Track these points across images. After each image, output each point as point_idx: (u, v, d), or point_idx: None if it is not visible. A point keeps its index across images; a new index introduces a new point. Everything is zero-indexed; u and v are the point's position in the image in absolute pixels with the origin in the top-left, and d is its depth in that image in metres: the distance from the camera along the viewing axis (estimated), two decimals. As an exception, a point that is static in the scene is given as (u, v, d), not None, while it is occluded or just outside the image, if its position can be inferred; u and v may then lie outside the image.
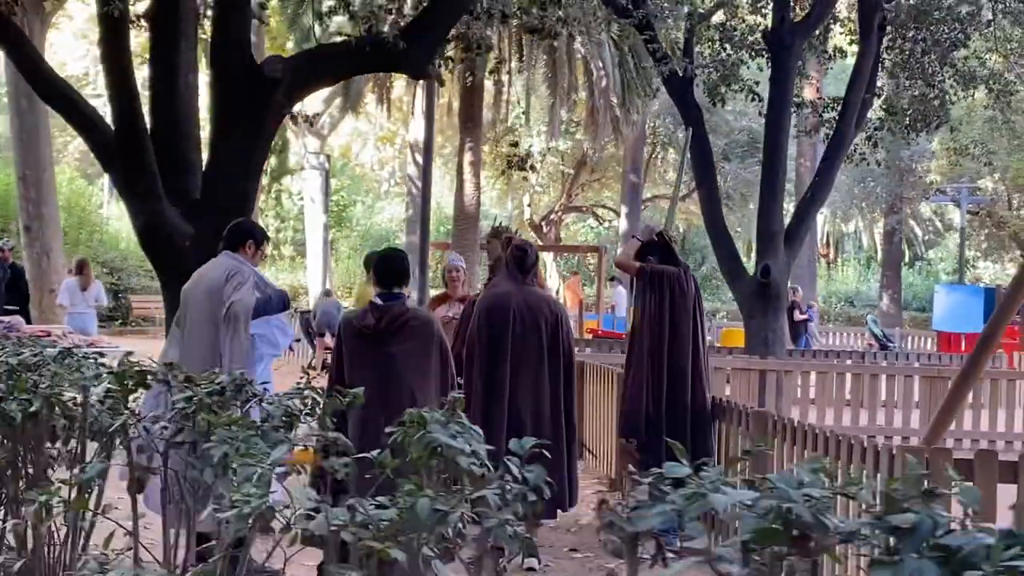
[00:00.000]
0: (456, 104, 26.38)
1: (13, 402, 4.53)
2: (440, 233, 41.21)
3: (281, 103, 9.78)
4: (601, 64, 24.60)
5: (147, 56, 10.02)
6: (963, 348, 25.21)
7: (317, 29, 17.08)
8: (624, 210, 34.07)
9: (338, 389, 4.39)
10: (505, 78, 25.26)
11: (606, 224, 42.73)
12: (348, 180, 49.33)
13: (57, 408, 4.62)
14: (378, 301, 6.42)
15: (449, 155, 39.93)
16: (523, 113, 33.24)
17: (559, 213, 39.72)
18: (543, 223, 39.72)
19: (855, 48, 18.97)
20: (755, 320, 15.60)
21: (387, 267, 6.48)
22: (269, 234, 9.75)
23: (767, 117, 15.65)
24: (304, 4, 20.75)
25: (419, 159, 29.94)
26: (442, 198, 42.03)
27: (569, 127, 33.70)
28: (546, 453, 3.00)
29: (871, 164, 18.64)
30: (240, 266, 6.66)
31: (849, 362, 17.03)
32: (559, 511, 7.66)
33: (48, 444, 4.76)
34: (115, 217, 36.55)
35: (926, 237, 56.41)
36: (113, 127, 9.56)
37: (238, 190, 9.77)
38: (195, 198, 9.85)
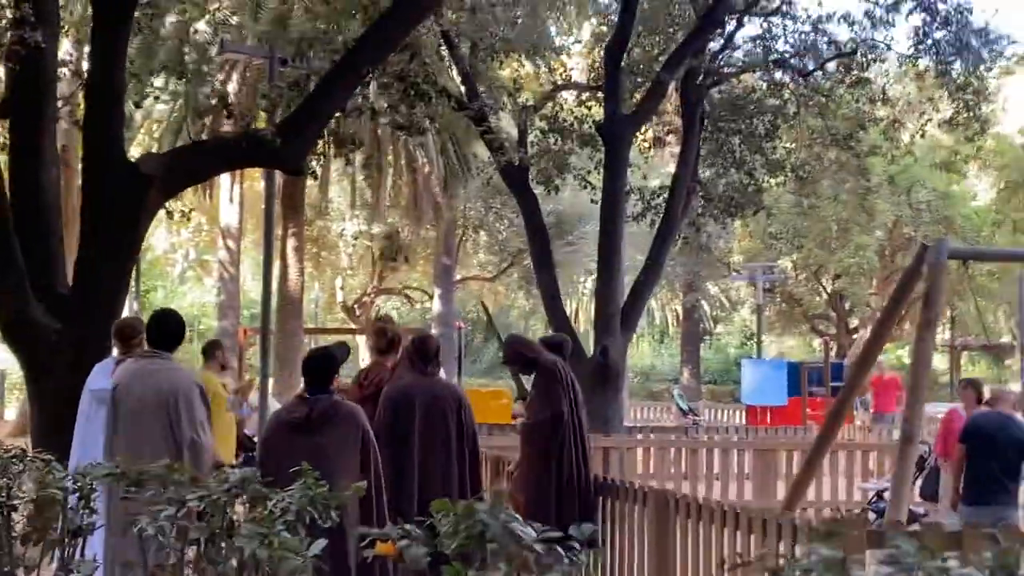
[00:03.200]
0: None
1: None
2: (247, 317, 40.82)
3: (156, 199, 9.81)
4: (424, 151, 25.10)
5: (7, 149, 9.90)
6: (769, 421, 26.40)
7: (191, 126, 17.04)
8: (437, 292, 34.46)
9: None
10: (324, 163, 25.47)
11: (418, 306, 43.01)
12: (145, 264, 48.33)
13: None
14: (306, 395, 6.65)
15: (259, 239, 39.69)
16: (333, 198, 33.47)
17: (371, 295, 39.81)
18: (355, 306, 39.75)
19: (671, 138, 20.08)
20: (595, 399, 16.12)
21: (317, 365, 6.76)
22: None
23: (602, 204, 16.35)
24: (180, 101, 20.68)
25: (231, 244, 29.79)
26: (246, 282, 41.62)
27: (378, 211, 34.03)
28: None
29: (695, 247, 19.60)
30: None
31: (684, 437, 17.79)
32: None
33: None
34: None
35: (714, 313, 58.59)
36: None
37: (109, 286, 9.70)
38: (60, 293, 9.74)
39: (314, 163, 10.79)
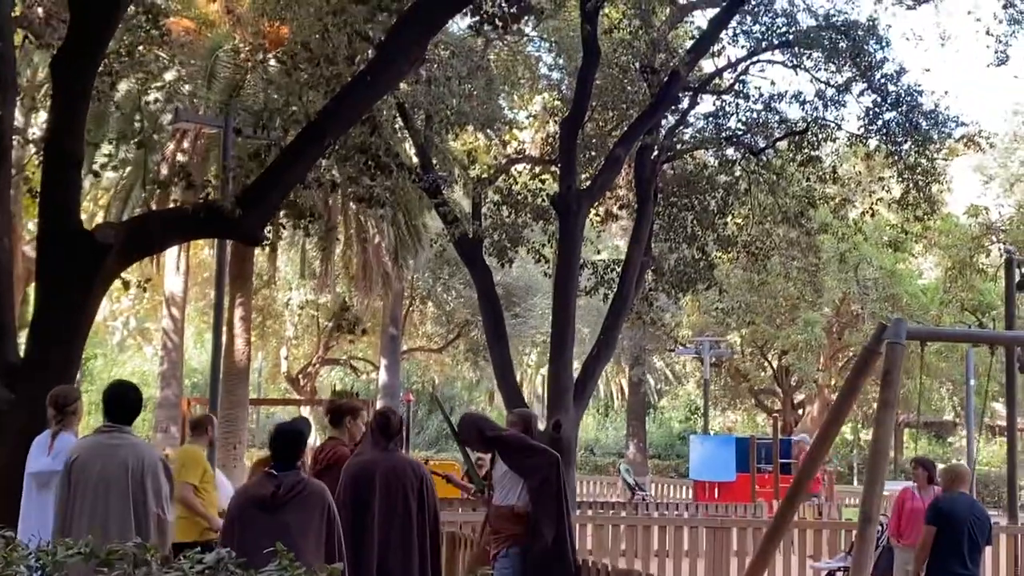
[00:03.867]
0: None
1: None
2: (188, 387, 40.37)
3: (112, 268, 9.65)
4: (374, 222, 25.07)
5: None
6: (717, 496, 26.38)
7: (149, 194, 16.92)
8: (384, 362, 34.31)
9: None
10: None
11: (363, 376, 42.73)
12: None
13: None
14: (273, 472, 6.54)
15: (203, 308, 39.34)
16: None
17: (316, 366, 39.54)
18: (300, 376, 39.44)
19: (625, 213, 20.20)
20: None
21: (285, 441, 6.66)
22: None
23: (556, 277, 16.36)
24: (128, 169, 20.53)
25: (175, 312, 29.47)
26: (188, 351, 41.20)
27: (326, 281, 33.93)
28: None
29: (646, 322, 19.66)
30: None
31: (636, 514, 17.70)
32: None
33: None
34: None
35: (659, 387, 58.73)
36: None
37: (63, 355, 9.50)
38: (11, 362, 9.52)
39: (270, 233, 10.69)
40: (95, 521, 6.28)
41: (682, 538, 16.14)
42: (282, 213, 11.02)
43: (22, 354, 9.51)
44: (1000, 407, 39.24)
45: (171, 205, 21.66)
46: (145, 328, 51.37)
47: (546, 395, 43.05)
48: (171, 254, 26.56)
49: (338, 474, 7.92)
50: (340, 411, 8.82)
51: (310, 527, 6.51)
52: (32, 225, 22.05)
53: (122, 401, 6.79)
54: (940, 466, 12.61)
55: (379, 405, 23.68)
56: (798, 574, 15.68)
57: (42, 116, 19.11)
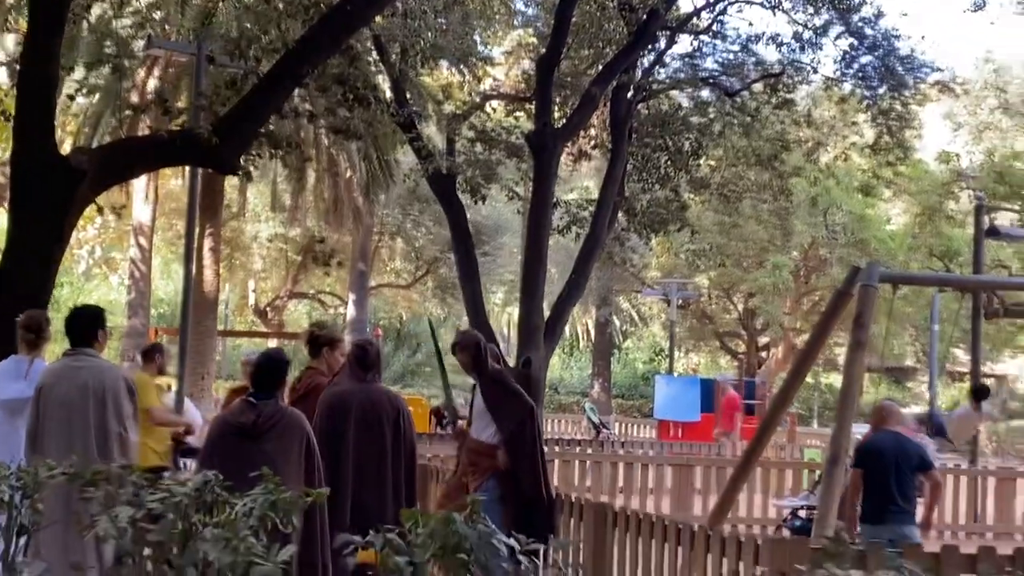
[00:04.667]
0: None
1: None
2: (155, 317, 40.15)
3: (86, 195, 9.57)
4: (347, 156, 24.91)
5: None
6: (680, 436, 26.62)
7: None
8: (352, 297, 34.27)
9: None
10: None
11: (332, 310, 42.66)
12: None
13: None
14: (252, 400, 6.53)
15: (171, 238, 39.10)
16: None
17: (284, 299, 39.45)
18: (268, 309, 39.35)
19: (598, 152, 20.17)
20: (516, 411, 16.09)
21: (268, 370, 6.64)
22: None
23: (529, 216, 16.35)
24: (98, 96, 20.23)
25: (143, 242, 29.27)
26: (155, 282, 40.98)
27: (296, 215, 33.77)
28: None
29: (616, 263, 19.71)
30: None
31: (602, 451, 17.86)
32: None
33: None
34: None
35: (623, 328, 58.98)
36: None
37: (35, 279, 9.45)
38: (-16, 285, 9.46)
39: (249, 164, 10.61)
40: (60, 443, 6.31)
41: (647, 475, 16.33)
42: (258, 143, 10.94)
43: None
44: (960, 353, 39.74)
45: (141, 133, 21.55)
46: (111, 257, 51.00)
47: (512, 333, 43.19)
48: (140, 183, 26.32)
49: (315, 403, 7.93)
50: (318, 341, 8.81)
51: (290, 456, 6.52)
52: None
53: (74, 323, 6.81)
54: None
55: (347, 339, 23.65)
56: (761, 512, 15.90)
57: (9, 39, 18.84)
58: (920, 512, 9.59)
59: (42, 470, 4.77)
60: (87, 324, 6.87)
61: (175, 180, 33.59)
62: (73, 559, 6.02)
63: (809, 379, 44.17)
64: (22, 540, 4.68)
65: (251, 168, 10.46)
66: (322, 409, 7.89)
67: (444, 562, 3.54)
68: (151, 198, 27.59)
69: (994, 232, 20.20)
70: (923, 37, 22.19)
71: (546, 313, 16.85)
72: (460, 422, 9.61)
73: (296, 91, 11.18)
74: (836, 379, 47.06)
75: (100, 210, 9.79)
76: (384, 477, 7.76)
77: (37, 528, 4.85)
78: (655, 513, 7.99)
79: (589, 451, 18.56)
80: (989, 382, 19.94)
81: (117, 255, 48.84)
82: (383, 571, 3.61)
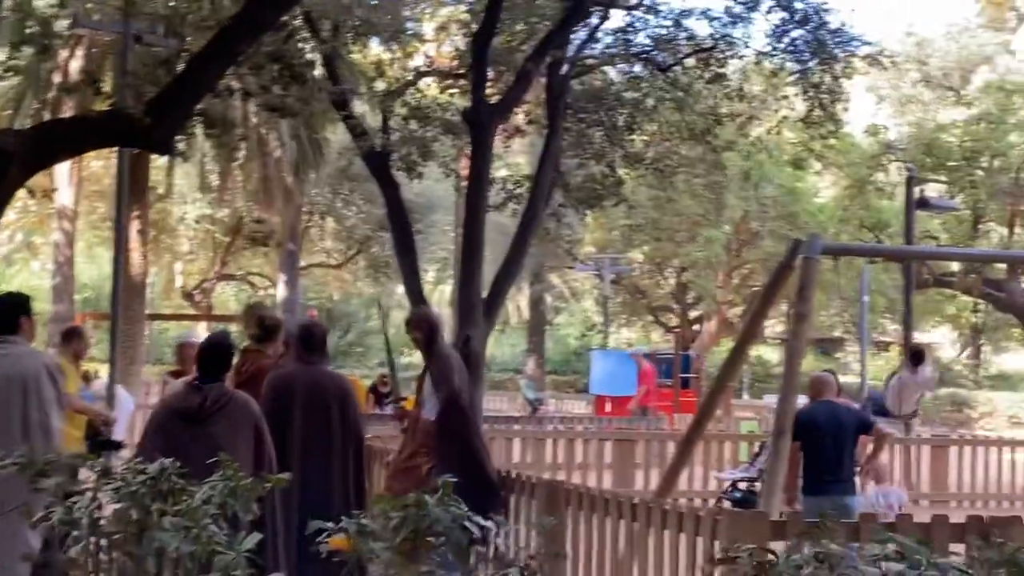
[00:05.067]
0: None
1: None
2: (80, 302, 39.48)
3: (16, 177, 9.29)
4: (277, 135, 24.60)
5: None
6: (618, 410, 26.72)
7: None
8: (282, 278, 33.92)
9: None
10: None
11: (260, 292, 42.26)
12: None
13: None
14: (198, 384, 6.43)
15: (94, 221, 38.45)
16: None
17: (212, 281, 38.98)
18: (195, 291, 38.86)
19: (532, 128, 20.07)
20: (456, 389, 16.00)
21: (214, 353, 6.58)
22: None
23: (468, 193, 16.21)
24: (33, 78, 19.69)
25: (67, 226, 28.77)
26: (78, 266, 40.34)
27: (225, 195, 33.34)
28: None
29: (553, 238, 19.69)
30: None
31: (540, 428, 17.87)
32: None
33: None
34: None
35: (555, 304, 59.13)
36: None
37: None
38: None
39: (183, 144, 10.39)
40: None
41: (588, 451, 16.39)
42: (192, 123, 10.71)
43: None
44: (887, 323, 40.34)
45: (65, 115, 21.07)
46: (32, 242, 50.08)
47: (446, 312, 43.10)
48: (63, 166, 25.83)
49: (259, 387, 7.81)
50: (267, 326, 8.69)
51: (238, 439, 6.44)
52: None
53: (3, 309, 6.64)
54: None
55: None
56: (702, 484, 16.01)
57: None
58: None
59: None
60: (8, 311, 6.70)
61: (96, 162, 33.00)
62: (22, 550, 5.88)
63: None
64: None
65: (189, 148, 10.23)
66: (267, 392, 7.79)
67: (415, 544, 3.47)
68: (74, 181, 27.09)
69: (924, 203, 20.52)
70: (852, 10, 22.34)
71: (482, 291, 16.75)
72: (402, 402, 9.53)
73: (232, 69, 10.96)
74: (765, 352, 47.64)
75: (32, 192, 9.50)
76: (331, 459, 7.69)
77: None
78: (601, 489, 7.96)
79: (530, 428, 18.61)
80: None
81: (38, 239, 47.98)
82: (356, 557, 3.52)
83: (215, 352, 6.60)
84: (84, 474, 4.60)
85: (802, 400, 10.01)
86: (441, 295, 51.09)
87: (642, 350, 30.16)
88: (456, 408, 7.99)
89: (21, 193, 10.82)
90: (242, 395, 6.72)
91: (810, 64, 17.55)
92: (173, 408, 6.48)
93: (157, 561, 3.91)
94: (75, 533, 4.15)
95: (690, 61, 18.55)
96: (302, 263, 37.61)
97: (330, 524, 3.41)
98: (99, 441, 10.52)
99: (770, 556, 2.74)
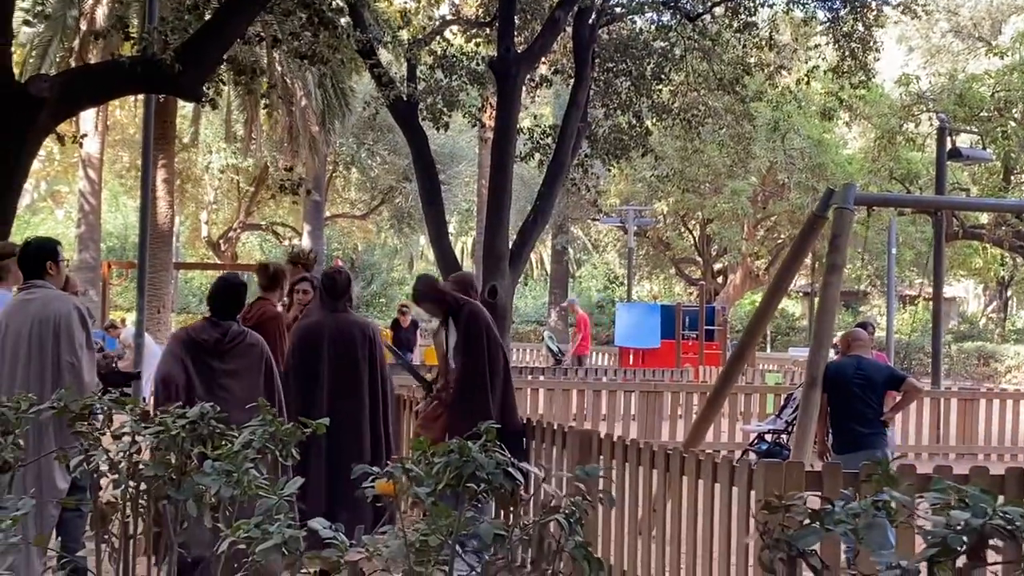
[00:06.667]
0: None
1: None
2: (105, 251, 39.62)
3: (47, 123, 9.29)
4: (302, 84, 24.49)
5: None
6: (643, 362, 26.72)
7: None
8: (307, 228, 33.95)
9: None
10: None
11: (286, 242, 42.32)
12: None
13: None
14: (214, 319, 6.75)
15: (119, 170, 38.48)
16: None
17: (237, 231, 39.01)
18: (221, 241, 38.92)
19: (558, 78, 19.92)
20: (483, 340, 15.99)
21: (228, 294, 6.86)
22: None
23: (493, 142, 16.13)
24: (59, 25, 19.62)
25: (92, 174, 28.75)
26: (104, 215, 40.45)
27: (250, 145, 33.31)
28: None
29: (581, 190, 19.59)
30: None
31: (566, 379, 17.89)
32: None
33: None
34: None
35: (577, 256, 59.02)
36: None
37: (-4, 211, 9.21)
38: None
39: (211, 91, 10.32)
40: (15, 378, 6.20)
41: (615, 402, 16.37)
42: (221, 69, 10.67)
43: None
44: (912, 275, 40.09)
45: (91, 61, 21.02)
46: (56, 191, 50.20)
47: (467, 262, 43.06)
48: (88, 114, 25.81)
49: (264, 333, 7.75)
50: (265, 271, 8.73)
51: (253, 376, 6.70)
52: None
53: (24, 256, 6.67)
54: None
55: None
56: (728, 436, 16.01)
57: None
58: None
59: (23, 403, 4.63)
60: (35, 255, 6.69)
61: (120, 111, 32.96)
62: (52, 493, 5.91)
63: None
64: (6, 477, 4.55)
65: (219, 95, 10.17)
66: (294, 340, 7.83)
67: (456, 489, 3.45)
68: (99, 129, 27.05)
69: (956, 154, 20.27)
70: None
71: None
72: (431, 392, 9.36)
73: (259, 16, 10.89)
74: (787, 304, 47.45)
75: (61, 139, 9.48)
76: (359, 406, 7.68)
77: (21, 464, 4.73)
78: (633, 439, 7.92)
79: (554, 378, 18.60)
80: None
81: (63, 188, 48.08)
82: (400, 501, 3.50)
83: (228, 292, 6.84)
84: (120, 418, 4.60)
85: (800, 352, 9.96)
86: (464, 247, 51.10)
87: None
88: (478, 374, 7.90)
89: (46, 142, 10.80)
90: (254, 333, 6.97)
91: (841, 12, 17.34)
92: (195, 340, 6.63)
93: (196, 505, 3.91)
94: (114, 477, 4.15)
95: (719, 9, 18.36)
96: (327, 213, 37.61)
97: (375, 469, 3.39)
98: (111, 372, 10.54)
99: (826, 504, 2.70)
